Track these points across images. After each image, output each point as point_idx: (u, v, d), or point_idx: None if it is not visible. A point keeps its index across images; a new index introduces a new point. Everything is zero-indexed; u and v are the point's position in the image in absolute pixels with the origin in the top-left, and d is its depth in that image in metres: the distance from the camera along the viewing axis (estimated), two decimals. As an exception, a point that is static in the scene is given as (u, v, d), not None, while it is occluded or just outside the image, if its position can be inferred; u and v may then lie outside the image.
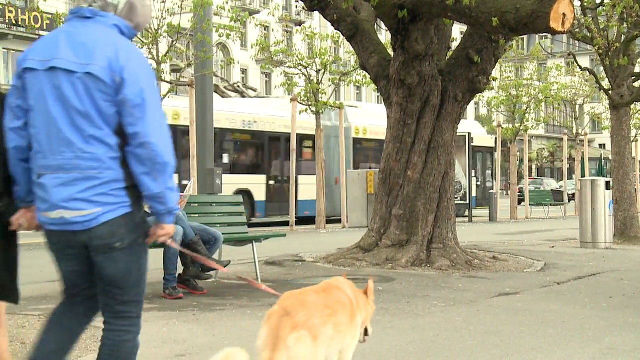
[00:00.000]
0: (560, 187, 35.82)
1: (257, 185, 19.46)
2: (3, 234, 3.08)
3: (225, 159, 19.67)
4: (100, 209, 2.91)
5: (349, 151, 21.67)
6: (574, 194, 31.31)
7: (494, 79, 11.27)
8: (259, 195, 19.64)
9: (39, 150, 2.94)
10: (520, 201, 25.78)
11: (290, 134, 18.58)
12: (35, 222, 3.09)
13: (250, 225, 19.13)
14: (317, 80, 20.06)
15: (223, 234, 7.58)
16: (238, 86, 23.69)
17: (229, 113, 19.11)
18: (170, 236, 3.07)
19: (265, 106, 21.66)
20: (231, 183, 18.07)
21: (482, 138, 27.21)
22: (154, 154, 2.89)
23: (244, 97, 22.60)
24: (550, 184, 41.49)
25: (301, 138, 19.46)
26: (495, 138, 26.19)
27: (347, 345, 3.28)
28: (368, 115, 23.10)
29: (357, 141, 22.38)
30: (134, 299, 3.04)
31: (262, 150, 19.48)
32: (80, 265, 3.04)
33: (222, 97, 21.54)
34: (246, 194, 18.83)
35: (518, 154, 26.35)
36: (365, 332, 3.52)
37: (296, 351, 2.90)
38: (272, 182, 20.09)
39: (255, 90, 23.71)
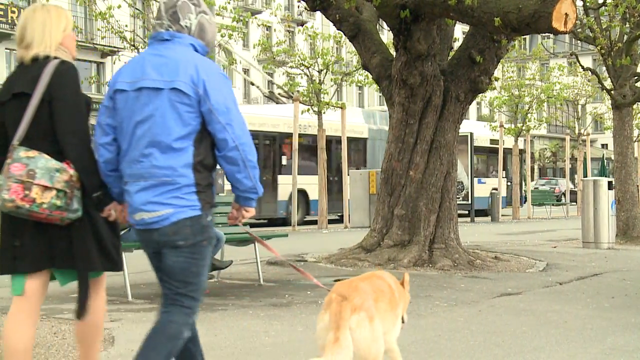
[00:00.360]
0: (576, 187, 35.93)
1: (311, 185, 20.22)
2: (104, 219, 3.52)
3: (284, 161, 21.06)
4: (171, 209, 3.19)
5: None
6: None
7: (496, 79, 11.27)
8: (313, 194, 20.50)
9: (127, 161, 3.28)
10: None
11: (340, 137, 19.65)
12: (123, 219, 3.48)
13: (306, 223, 20.26)
14: (319, 80, 20.07)
15: (225, 234, 7.58)
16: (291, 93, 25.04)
17: (287, 118, 19.85)
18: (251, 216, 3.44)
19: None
20: (288, 183, 19.20)
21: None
22: (244, 155, 3.23)
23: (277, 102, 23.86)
24: (563, 184, 41.12)
25: (349, 141, 20.65)
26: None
27: (389, 329, 3.61)
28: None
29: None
30: (188, 294, 3.28)
31: (315, 152, 20.09)
32: (156, 262, 3.34)
33: (277, 103, 22.68)
34: (302, 193, 20.47)
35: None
36: (402, 320, 3.87)
37: (359, 330, 3.29)
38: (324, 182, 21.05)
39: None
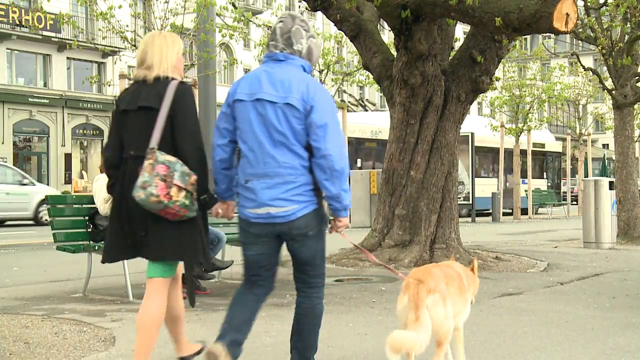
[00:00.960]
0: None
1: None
2: (204, 216, 4.03)
3: (358, 163, 22.95)
4: (297, 206, 3.75)
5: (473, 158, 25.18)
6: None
7: (497, 79, 11.26)
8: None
9: (247, 161, 3.78)
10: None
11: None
12: (230, 213, 4.03)
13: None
14: (320, 80, 20.08)
15: (226, 234, 7.58)
16: (361, 101, 27.04)
17: (360, 125, 21.74)
18: (346, 226, 3.95)
19: (385, 118, 25.24)
20: None
21: (553, 144, 31.07)
22: (331, 163, 3.69)
23: (366, 110, 25.93)
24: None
25: None
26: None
27: (459, 311, 4.09)
28: (477, 124, 25.90)
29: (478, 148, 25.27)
30: (320, 272, 3.99)
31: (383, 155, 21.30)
32: (269, 249, 3.93)
33: (348, 111, 24.56)
34: None
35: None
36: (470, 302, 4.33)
37: (434, 309, 3.80)
38: None
39: (374, 105, 26.27)
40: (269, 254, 3.95)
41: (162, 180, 3.77)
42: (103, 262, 4.09)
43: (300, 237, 3.85)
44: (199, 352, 4.38)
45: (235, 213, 3.98)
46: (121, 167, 3.96)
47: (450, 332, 3.95)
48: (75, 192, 33.02)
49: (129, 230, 3.92)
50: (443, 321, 3.86)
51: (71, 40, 20.04)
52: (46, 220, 26.08)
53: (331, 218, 3.96)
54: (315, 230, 3.84)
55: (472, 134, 23.96)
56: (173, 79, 4.01)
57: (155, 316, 3.98)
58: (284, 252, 4.12)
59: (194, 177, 3.89)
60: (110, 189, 4.06)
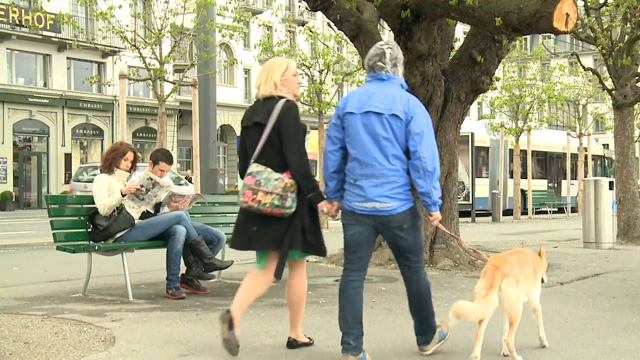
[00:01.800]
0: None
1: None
2: (311, 212, 4.72)
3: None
4: (397, 202, 4.48)
5: (506, 160, 27.61)
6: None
7: (497, 79, 11.26)
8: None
9: (357, 164, 4.52)
10: None
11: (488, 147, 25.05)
12: (334, 212, 4.71)
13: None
14: (320, 80, 20.07)
15: (226, 234, 7.58)
16: None
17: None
18: (439, 220, 4.70)
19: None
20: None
21: (593, 148, 32.51)
22: (425, 164, 4.42)
23: None
24: None
25: (477, 149, 25.57)
26: (502, 138, 26.19)
27: (532, 291, 4.78)
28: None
29: (511, 152, 27.23)
30: (418, 257, 4.70)
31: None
32: (365, 232, 4.56)
33: None
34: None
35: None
36: (542, 281, 4.97)
37: (507, 291, 4.47)
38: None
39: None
40: (365, 234, 4.58)
41: (249, 189, 4.61)
42: (231, 247, 5.06)
43: (396, 228, 4.54)
44: (304, 344, 4.99)
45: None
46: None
47: (520, 312, 4.59)
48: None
49: (243, 226, 4.77)
50: (514, 302, 4.53)
51: (71, 40, 20.05)
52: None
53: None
54: (409, 224, 4.57)
55: (472, 134, 23.98)
56: (282, 97, 4.73)
57: (299, 291, 4.92)
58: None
59: (285, 182, 4.60)
60: None
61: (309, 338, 5.03)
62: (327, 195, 4.70)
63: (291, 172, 4.63)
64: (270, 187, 4.57)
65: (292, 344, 4.93)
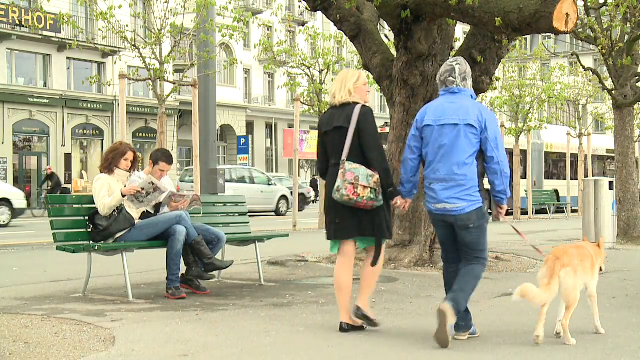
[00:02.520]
0: None
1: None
2: (387, 202, 5.36)
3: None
4: (465, 203, 5.04)
5: (542, 161, 29.79)
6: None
7: (497, 79, 11.25)
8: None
9: (432, 170, 5.13)
10: None
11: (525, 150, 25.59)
12: (406, 207, 5.46)
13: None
14: (320, 80, 20.07)
15: (226, 234, 7.58)
16: None
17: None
18: (507, 210, 5.27)
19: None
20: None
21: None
22: (500, 168, 5.06)
23: None
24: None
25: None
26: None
27: (590, 280, 5.21)
28: (553, 134, 30.30)
29: (547, 154, 30.08)
30: (480, 255, 5.20)
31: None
32: (446, 231, 5.23)
33: None
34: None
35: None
36: (600, 270, 5.39)
37: (565, 279, 4.96)
38: None
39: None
40: (447, 233, 5.25)
41: (350, 184, 5.20)
42: (327, 239, 5.58)
43: (464, 227, 5.09)
44: (364, 318, 5.48)
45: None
46: (328, 172, 5.46)
47: (577, 298, 5.02)
48: (75, 192, 33.00)
49: (334, 218, 5.39)
50: (572, 289, 4.99)
51: (71, 40, 20.05)
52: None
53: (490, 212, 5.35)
54: (476, 223, 5.09)
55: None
56: (357, 103, 5.37)
57: (369, 269, 5.50)
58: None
59: (376, 177, 5.25)
60: (326, 188, 5.46)
61: (375, 319, 5.54)
62: (403, 194, 5.39)
63: (374, 169, 5.28)
64: (366, 181, 5.22)
65: (358, 312, 5.43)
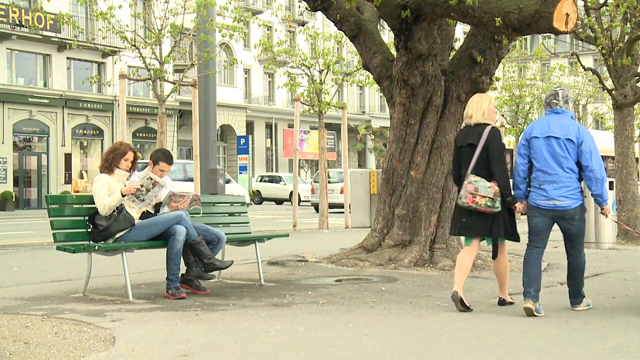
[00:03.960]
0: None
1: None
2: (509, 210, 6.45)
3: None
4: (571, 201, 6.20)
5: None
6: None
7: (497, 79, 11.24)
8: None
9: (541, 173, 6.26)
10: None
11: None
12: (524, 208, 6.40)
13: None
14: (320, 80, 20.06)
15: (226, 234, 7.58)
16: None
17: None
18: (609, 210, 6.52)
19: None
20: None
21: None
22: (596, 175, 6.17)
23: None
24: None
25: None
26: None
27: None
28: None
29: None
30: (581, 240, 6.45)
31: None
32: (545, 222, 6.31)
33: None
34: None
35: None
36: None
37: None
38: None
39: None
40: (545, 223, 6.32)
41: (470, 194, 6.33)
42: (450, 234, 7.12)
43: (569, 219, 6.25)
44: (509, 303, 6.64)
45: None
46: (461, 180, 6.49)
47: None
48: (75, 192, 33.00)
49: (459, 216, 6.53)
50: None
51: (71, 40, 20.05)
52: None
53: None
54: (579, 216, 6.24)
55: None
56: (487, 124, 6.46)
57: (501, 265, 6.63)
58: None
59: (495, 188, 6.31)
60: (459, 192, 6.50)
61: (512, 299, 6.67)
62: (519, 196, 6.41)
63: (496, 181, 6.33)
64: (485, 192, 6.30)
65: (502, 302, 6.65)
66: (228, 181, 28.19)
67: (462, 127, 6.79)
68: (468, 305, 6.30)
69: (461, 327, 5.65)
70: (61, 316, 6.00)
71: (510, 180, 6.47)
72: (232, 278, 8.38)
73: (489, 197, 6.28)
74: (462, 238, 10.40)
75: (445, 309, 6.46)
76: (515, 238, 6.51)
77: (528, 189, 6.37)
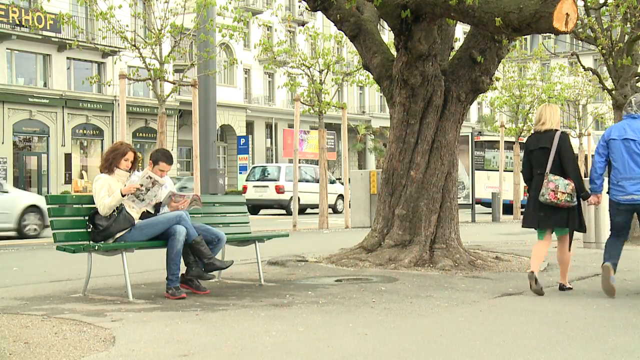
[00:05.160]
0: None
1: None
2: (579, 205, 7.39)
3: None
4: None
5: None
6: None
7: (497, 79, 11.25)
8: None
9: (618, 171, 7.12)
10: None
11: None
12: (600, 202, 7.48)
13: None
14: (320, 80, 20.06)
15: (226, 234, 7.58)
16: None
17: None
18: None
19: None
20: None
21: None
22: None
23: None
24: None
25: None
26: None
27: None
28: None
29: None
30: None
31: None
32: (626, 217, 7.24)
33: None
34: None
35: None
36: None
37: None
38: None
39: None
40: (626, 219, 7.25)
41: (552, 191, 7.14)
42: (523, 226, 7.64)
43: None
44: (568, 288, 7.57)
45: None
46: (532, 180, 7.39)
47: None
48: (75, 192, 33.00)
49: (535, 211, 7.34)
50: None
51: (71, 40, 20.04)
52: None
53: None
54: None
55: (472, 133, 23.98)
56: (557, 130, 7.33)
57: (567, 255, 7.49)
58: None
59: (572, 185, 7.14)
60: (529, 187, 7.48)
61: (571, 285, 7.62)
62: (595, 190, 7.31)
63: (571, 179, 7.16)
64: (564, 189, 7.13)
65: (562, 287, 7.55)
66: (333, 182, 28.24)
67: (531, 133, 7.64)
68: (541, 288, 7.14)
69: (461, 327, 5.65)
70: (61, 316, 6.00)
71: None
72: (232, 278, 8.38)
73: (568, 193, 7.13)
74: (458, 238, 10.50)
75: (445, 309, 6.46)
76: (584, 229, 7.57)
77: (609, 186, 7.26)
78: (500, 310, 6.44)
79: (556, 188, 7.11)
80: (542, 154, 7.30)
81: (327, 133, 21.13)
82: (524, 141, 7.88)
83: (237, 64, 20.01)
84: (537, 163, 7.35)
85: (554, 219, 7.30)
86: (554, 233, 7.52)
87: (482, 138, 29.89)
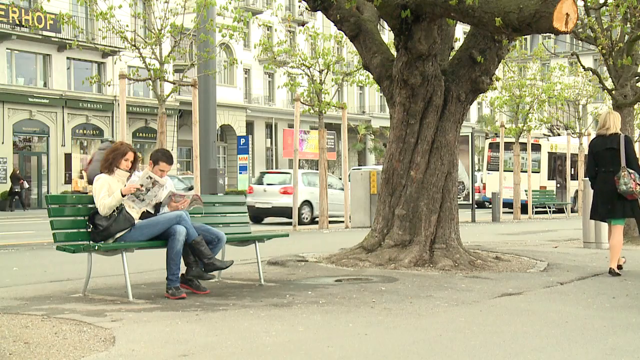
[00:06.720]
0: None
1: None
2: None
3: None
4: None
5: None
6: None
7: (497, 79, 11.25)
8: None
9: None
10: None
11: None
12: None
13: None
14: (320, 80, 20.07)
15: (226, 234, 7.58)
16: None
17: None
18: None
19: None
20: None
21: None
22: None
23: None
24: None
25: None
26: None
27: None
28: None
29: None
30: None
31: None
32: None
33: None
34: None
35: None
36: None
37: None
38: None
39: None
40: None
41: (633, 181, 8.19)
42: (591, 218, 9.14)
43: None
44: (617, 274, 8.49)
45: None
46: (597, 177, 8.52)
47: None
48: (75, 192, 32.99)
49: (604, 204, 8.46)
50: None
51: (71, 40, 20.05)
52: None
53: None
54: None
55: (472, 133, 23.98)
56: (620, 133, 8.42)
57: (619, 242, 8.50)
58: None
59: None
60: (593, 183, 8.68)
61: (619, 271, 8.56)
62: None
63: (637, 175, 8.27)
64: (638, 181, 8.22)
65: (612, 271, 8.48)
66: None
67: (595, 137, 8.64)
68: (619, 272, 8.49)
69: (461, 327, 5.65)
70: (61, 316, 6.00)
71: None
72: (232, 278, 8.38)
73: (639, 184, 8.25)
74: (458, 238, 10.44)
75: (445, 309, 6.46)
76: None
77: None
78: (500, 310, 6.44)
79: (635, 178, 8.19)
80: (609, 153, 8.41)
81: (327, 133, 21.13)
82: (589, 143, 8.73)
83: (237, 64, 20.02)
84: (603, 162, 8.46)
85: (620, 209, 8.40)
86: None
87: (498, 139, 30.48)
